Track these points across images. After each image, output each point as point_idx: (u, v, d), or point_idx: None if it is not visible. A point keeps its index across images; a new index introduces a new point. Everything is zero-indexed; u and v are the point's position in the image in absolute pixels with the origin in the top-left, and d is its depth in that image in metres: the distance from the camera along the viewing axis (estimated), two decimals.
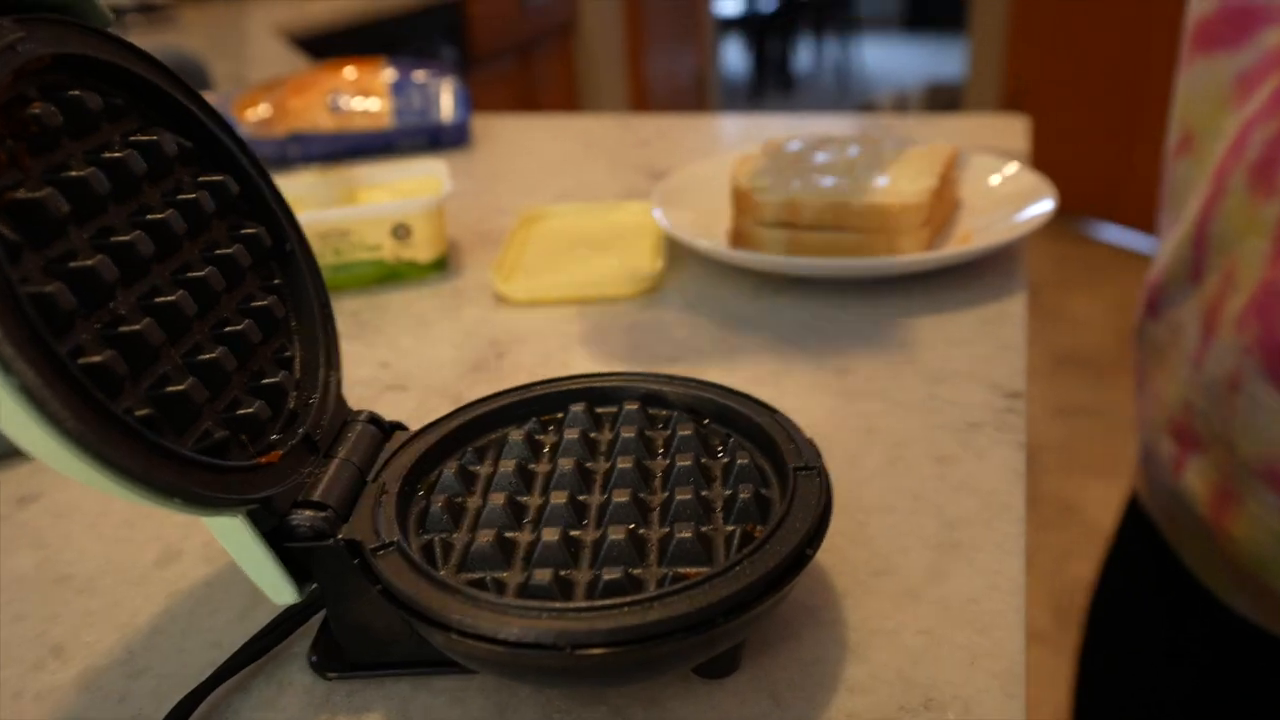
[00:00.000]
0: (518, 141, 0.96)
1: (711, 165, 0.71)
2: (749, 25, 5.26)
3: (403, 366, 0.54)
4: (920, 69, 4.58)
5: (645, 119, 0.99)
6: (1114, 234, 3.28)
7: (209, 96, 1.00)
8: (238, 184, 0.34)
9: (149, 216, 0.30)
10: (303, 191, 0.68)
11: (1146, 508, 0.60)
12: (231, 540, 0.30)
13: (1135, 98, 3.07)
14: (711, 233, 0.63)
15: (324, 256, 0.62)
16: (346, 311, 0.61)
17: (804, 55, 5.53)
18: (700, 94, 4.01)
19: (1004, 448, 0.42)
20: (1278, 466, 0.45)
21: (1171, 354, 0.53)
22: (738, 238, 0.60)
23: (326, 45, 2.01)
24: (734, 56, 5.53)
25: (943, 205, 0.61)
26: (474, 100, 1.01)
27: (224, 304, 0.33)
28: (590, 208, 0.72)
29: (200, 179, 0.33)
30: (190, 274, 0.31)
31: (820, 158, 0.64)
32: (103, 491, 0.26)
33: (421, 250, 0.64)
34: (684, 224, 0.62)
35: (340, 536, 0.31)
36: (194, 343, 0.30)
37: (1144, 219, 3.17)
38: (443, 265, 0.66)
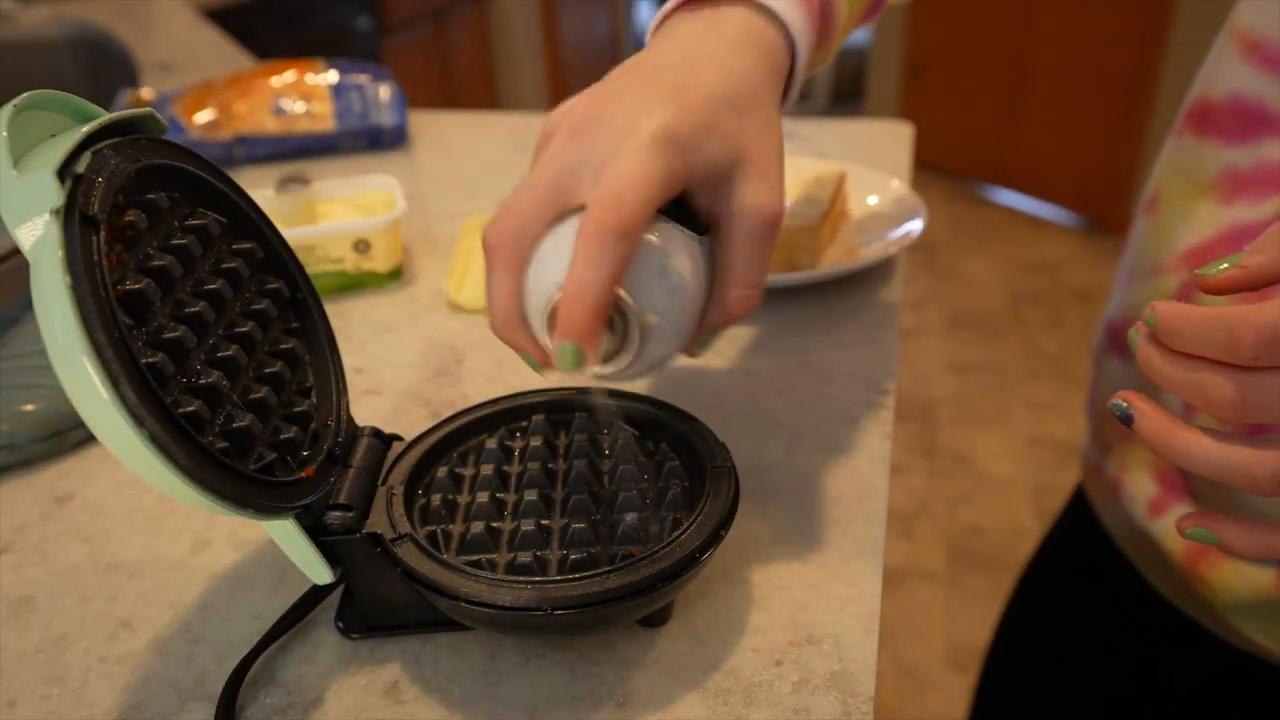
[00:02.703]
0: (451, 142, 1.03)
1: None
2: None
3: (374, 372, 0.62)
4: None
5: None
6: (1005, 197, 3.48)
7: (144, 93, 1.05)
8: (262, 250, 0.42)
9: (206, 287, 0.38)
10: (264, 208, 0.75)
11: (1097, 512, 0.61)
12: (283, 537, 0.38)
13: (1022, 73, 3.25)
14: None
15: None
16: None
17: None
18: (614, 56, 4.06)
19: (874, 438, 0.53)
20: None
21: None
22: None
23: (239, 18, 2.01)
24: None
25: (832, 223, 0.72)
26: (391, 69, 1.07)
27: (260, 350, 0.41)
28: None
29: (234, 247, 0.41)
30: (237, 330, 0.39)
31: None
32: (187, 504, 0.34)
33: (380, 262, 0.72)
34: None
35: (364, 530, 0.40)
36: (244, 385, 0.39)
37: (1031, 183, 3.38)
38: (399, 274, 0.74)
